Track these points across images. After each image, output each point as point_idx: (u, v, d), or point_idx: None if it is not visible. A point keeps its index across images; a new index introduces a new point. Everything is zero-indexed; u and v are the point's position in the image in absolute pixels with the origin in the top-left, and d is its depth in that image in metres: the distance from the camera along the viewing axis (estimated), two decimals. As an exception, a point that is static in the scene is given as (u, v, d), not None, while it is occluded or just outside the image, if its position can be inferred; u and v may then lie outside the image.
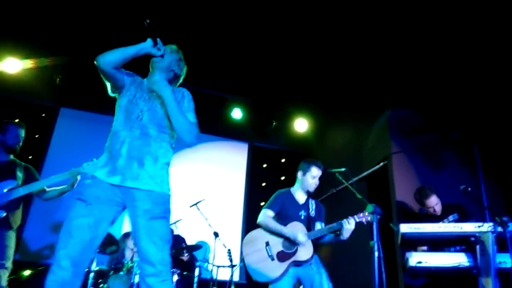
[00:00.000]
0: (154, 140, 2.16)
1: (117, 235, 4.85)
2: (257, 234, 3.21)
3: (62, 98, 5.86)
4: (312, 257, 3.05)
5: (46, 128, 5.71)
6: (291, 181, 3.50)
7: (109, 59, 2.14)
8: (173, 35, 2.44)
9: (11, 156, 3.33)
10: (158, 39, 2.16)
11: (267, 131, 6.54)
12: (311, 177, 3.28)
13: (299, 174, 3.37)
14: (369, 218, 2.93)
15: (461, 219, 3.50)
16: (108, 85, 2.28)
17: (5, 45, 5.06)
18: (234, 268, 4.72)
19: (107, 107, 5.67)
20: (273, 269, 3.01)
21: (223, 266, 4.83)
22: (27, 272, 5.03)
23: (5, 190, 3.06)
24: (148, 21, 2.06)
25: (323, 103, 5.96)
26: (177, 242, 4.68)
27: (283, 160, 6.96)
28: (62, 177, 3.17)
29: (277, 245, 3.11)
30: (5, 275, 3.04)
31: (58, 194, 3.33)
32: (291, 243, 3.10)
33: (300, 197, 3.35)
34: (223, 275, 4.98)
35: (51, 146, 5.78)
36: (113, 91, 2.30)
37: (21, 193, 3.10)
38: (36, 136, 5.31)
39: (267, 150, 6.97)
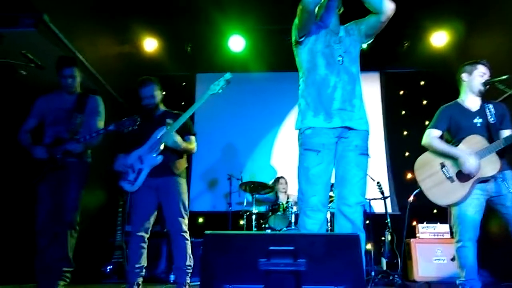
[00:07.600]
0: (357, 80, 2.38)
1: (267, 180, 5.23)
2: (429, 156, 2.87)
3: (196, 65, 6.37)
4: (499, 171, 2.62)
5: (189, 95, 6.35)
6: (435, 104, 3.12)
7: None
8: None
9: (162, 108, 3.34)
10: None
11: (399, 54, 5.99)
12: (479, 75, 2.83)
13: (464, 76, 2.89)
14: None
15: None
16: (296, 32, 2.41)
17: (142, 27, 5.64)
18: (387, 199, 4.70)
19: (240, 66, 6.00)
20: (455, 190, 2.69)
21: (375, 199, 4.84)
22: (201, 220, 5.90)
23: (158, 137, 3.12)
24: None
25: (463, 7, 5.13)
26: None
27: (422, 83, 6.35)
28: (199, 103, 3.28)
29: (454, 164, 2.73)
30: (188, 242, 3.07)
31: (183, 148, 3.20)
32: None
33: (472, 103, 2.86)
34: (377, 208, 5.06)
35: (196, 110, 6.42)
36: (299, 36, 2.42)
37: (170, 135, 3.06)
38: (182, 103, 5.94)
39: (401, 75, 6.43)
